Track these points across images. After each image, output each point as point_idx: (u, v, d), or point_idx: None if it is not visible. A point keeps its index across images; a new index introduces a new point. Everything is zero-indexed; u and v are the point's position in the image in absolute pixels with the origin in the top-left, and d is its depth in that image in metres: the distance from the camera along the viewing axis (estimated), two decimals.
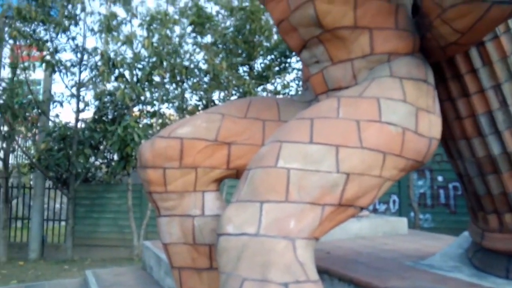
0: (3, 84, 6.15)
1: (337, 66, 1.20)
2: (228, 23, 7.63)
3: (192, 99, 8.09)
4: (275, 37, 7.60)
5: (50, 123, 7.03)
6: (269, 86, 8.11)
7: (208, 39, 7.56)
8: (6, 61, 6.91)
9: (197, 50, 7.52)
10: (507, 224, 1.39)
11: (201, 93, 7.58)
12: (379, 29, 1.13)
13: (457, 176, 1.57)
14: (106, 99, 6.58)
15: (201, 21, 6.78)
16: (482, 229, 1.50)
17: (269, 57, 8.42)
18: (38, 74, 7.35)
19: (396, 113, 1.02)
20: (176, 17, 7.15)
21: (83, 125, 6.79)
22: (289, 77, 8.70)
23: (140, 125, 6.72)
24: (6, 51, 6.68)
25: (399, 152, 1.01)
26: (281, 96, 8.12)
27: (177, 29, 7.01)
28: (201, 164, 1.23)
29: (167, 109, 8.22)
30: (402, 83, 1.08)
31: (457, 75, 1.34)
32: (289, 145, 0.93)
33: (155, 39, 6.00)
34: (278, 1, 1.24)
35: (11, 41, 5.89)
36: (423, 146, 1.07)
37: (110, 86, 6.42)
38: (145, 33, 6.00)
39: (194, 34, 7.25)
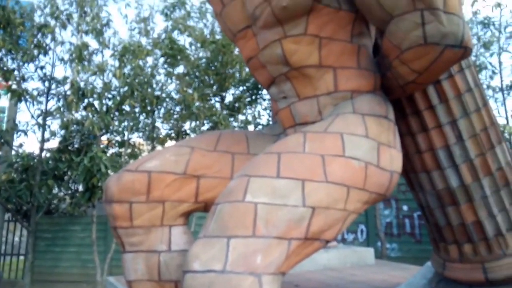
0: None
1: (303, 102, 1.24)
2: (200, 54, 7.74)
3: (163, 129, 8.05)
4: (246, 69, 7.75)
5: (13, 153, 6.78)
6: (240, 117, 8.20)
7: (180, 69, 7.62)
8: None
9: (169, 80, 7.56)
10: (467, 254, 1.44)
11: (172, 122, 7.55)
12: (343, 68, 1.19)
13: (419, 208, 1.62)
14: (72, 128, 6.44)
15: (173, 53, 6.85)
16: (444, 259, 1.55)
17: (240, 88, 8.55)
18: (3, 101, 7.14)
19: (359, 148, 1.06)
20: (149, 47, 7.21)
21: (47, 155, 6.58)
22: (259, 107, 8.84)
23: (108, 155, 6.58)
24: None
25: (362, 185, 1.04)
26: (252, 126, 8.24)
27: (150, 60, 7.05)
28: (169, 198, 1.23)
29: (137, 138, 8.13)
30: (365, 119, 1.13)
31: (417, 111, 1.41)
32: (257, 179, 0.94)
33: (127, 70, 6.00)
34: (248, 40, 1.28)
35: None
36: (385, 179, 1.11)
37: (77, 115, 6.31)
38: (116, 64, 5.99)
39: (166, 65, 7.29)
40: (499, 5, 7.15)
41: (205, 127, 7.51)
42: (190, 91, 6.97)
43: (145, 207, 1.20)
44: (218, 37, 7.50)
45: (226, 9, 1.28)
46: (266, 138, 1.39)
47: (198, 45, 7.62)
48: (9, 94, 5.89)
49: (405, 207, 7.41)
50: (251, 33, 1.26)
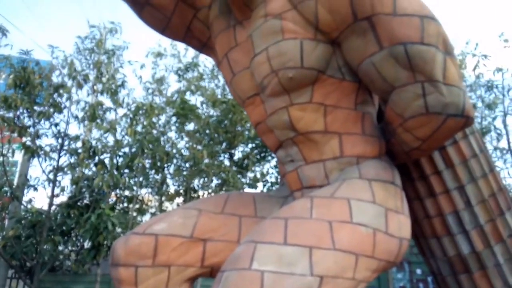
0: None
1: (310, 166, 1.27)
2: (211, 112, 7.94)
3: (172, 185, 8.06)
4: None
5: (22, 208, 6.80)
6: (249, 174, 8.21)
7: (191, 126, 7.80)
8: None
9: (180, 137, 7.70)
10: None
11: (181, 179, 7.59)
12: (348, 134, 1.23)
13: (431, 274, 1.58)
14: (82, 184, 6.49)
15: (184, 113, 7.05)
16: None
17: (249, 146, 8.66)
18: (16, 156, 7.28)
19: (366, 214, 1.06)
20: (162, 105, 7.43)
21: (56, 211, 6.58)
22: (268, 165, 8.88)
23: (116, 211, 6.55)
24: None
25: (371, 253, 1.03)
26: (260, 184, 8.23)
27: (162, 118, 7.23)
28: (175, 262, 1.22)
29: (146, 194, 8.13)
30: (371, 185, 1.14)
31: (423, 176, 1.42)
32: (263, 246, 0.94)
33: (139, 128, 6.15)
34: (256, 106, 1.34)
35: None
36: (394, 246, 1.10)
37: (87, 170, 6.39)
38: (129, 122, 6.16)
39: (177, 123, 7.48)
40: (500, 69, 7.35)
41: (214, 183, 7.52)
42: (199, 147, 7.07)
43: (150, 271, 1.19)
44: (229, 96, 7.74)
45: (236, 78, 1.35)
46: (273, 201, 1.39)
47: (209, 104, 7.86)
48: (22, 150, 6.03)
49: (418, 271, 7.12)
50: (259, 100, 1.32)
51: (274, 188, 8.12)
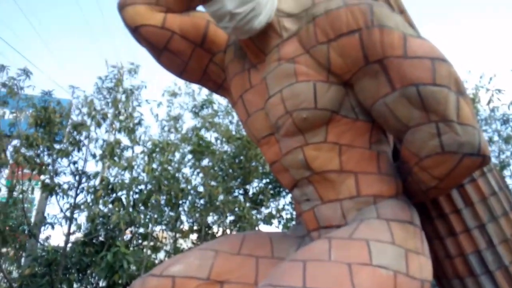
0: None
1: (327, 206, 1.26)
2: (225, 148, 8.01)
3: (187, 222, 8.03)
4: None
5: (39, 246, 6.84)
6: (264, 210, 8.14)
7: (205, 162, 7.85)
8: (2, 181, 7.03)
9: (195, 173, 7.75)
10: None
11: (196, 215, 7.56)
12: (364, 173, 1.23)
13: None
14: (98, 221, 6.53)
15: (201, 150, 7.14)
16: None
17: (264, 181, 8.63)
18: (33, 193, 7.41)
19: (386, 255, 1.05)
20: (177, 142, 7.54)
21: (72, 248, 6.59)
22: (283, 201, 8.80)
23: (131, 248, 6.52)
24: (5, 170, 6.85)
25: None
26: (275, 220, 8.13)
27: (177, 155, 7.32)
28: None
29: (161, 231, 8.10)
30: (390, 225, 1.13)
31: (442, 214, 1.40)
32: None
33: (154, 165, 6.24)
34: (271, 145, 1.36)
35: (11, 160, 6.09)
36: None
37: (102, 206, 6.44)
38: (146, 159, 6.26)
39: (193, 160, 7.55)
40: None
41: (229, 220, 7.46)
42: (213, 183, 7.09)
43: None
44: (243, 133, 7.82)
45: (251, 118, 1.38)
46: (290, 241, 1.38)
47: (224, 140, 7.94)
48: (40, 188, 6.14)
49: None
50: (274, 139, 1.34)
51: (289, 224, 8.01)
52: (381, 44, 1.10)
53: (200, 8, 1.44)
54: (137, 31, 1.39)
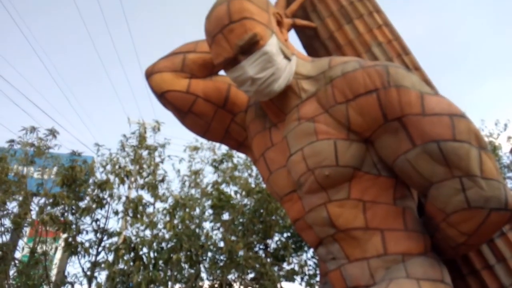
0: (17, 265, 6.17)
1: (353, 265, 1.24)
2: (246, 201, 7.97)
3: (207, 280, 7.83)
4: None
5: None
6: (285, 266, 7.91)
7: (226, 216, 7.80)
8: (25, 239, 7.10)
9: (215, 228, 7.68)
10: None
11: (217, 272, 7.39)
12: (390, 230, 1.21)
13: None
14: (118, 280, 6.44)
15: (221, 204, 7.14)
16: None
17: (285, 235, 8.46)
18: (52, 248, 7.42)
19: None
20: (198, 196, 7.57)
21: None
22: (306, 256, 8.55)
23: None
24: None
25: None
26: (298, 277, 7.85)
27: (198, 210, 7.33)
28: None
29: None
30: (420, 284, 1.10)
31: (474, 271, 1.34)
32: None
33: (176, 221, 6.24)
34: (294, 203, 1.36)
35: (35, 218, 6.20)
36: None
37: (123, 265, 6.38)
38: (167, 216, 6.29)
39: (213, 214, 7.54)
40: None
41: (250, 277, 7.25)
42: (234, 238, 6.99)
43: None
44: (263, 186, 7.81)
45: (273, 176, 1.41)
46: None
47: (244, 193, 7.93)
48: (63, 246, 6.18)
49: None
50: (297, 196, 1.35)
51: (312, 281, 7.71)
52: (399, 103, 1.13)
53: (222, 72, 1.52)
54: (163, 97, 1.48)
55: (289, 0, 1.78)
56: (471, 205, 1.05)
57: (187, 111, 1.49)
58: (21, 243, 7.52)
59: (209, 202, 7.47)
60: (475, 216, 1.06)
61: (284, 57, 1.28)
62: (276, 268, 7.61)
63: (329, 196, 1.25)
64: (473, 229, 1.09)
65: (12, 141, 7.16)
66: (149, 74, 1.51)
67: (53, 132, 7.19)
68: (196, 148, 8.81)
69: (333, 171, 1.22)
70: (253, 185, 8.11)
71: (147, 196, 6.62)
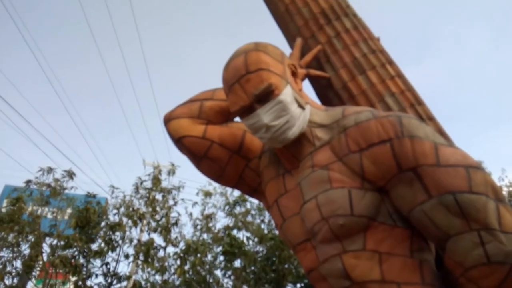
0: None
1: None
2: (257, 248, 7.80)
3: None
4: None
5: None
6: None
7: (237, 263, 7.62)
8: (34, 280, 7.03)
9: (227, 275, 7.49)
10: None
11: None
12: (407, 284, 1.17)
13: None
14: None
15: (232, 250, 7.01)
16: None
17: (298, 285, 8.17)
18: None
19: None
20: (209, 241, 7.45)
21: None
22: None
23: None
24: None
25: None
26: None
27: (209, 255, 7.20)
28: None
29: None
30: None
31: None
32: None
33: (187, 267, 6.13)
34: (307, 252, 1.34)
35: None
36: None
37: None
38: (178, 261, 6.18)
39: (224, 261, 7.38)
40: None
41: None
42: (245, 286, 6.79)
43: None
44: (276, 232, 7.67)
45: (286, 223, 1.39)
46: None
47: (256, 240, 7.78)
48: None
49: None
50: (311, 246, 1.32)
51: None
52: (413, 153, 1.13)
53: (237, 119, 1.56)
54: (180, 142, 1.51)
55: (304, 52, 1.84)
56: (491, 260, 1.01)
57: (202, 156, 1.51)
58: (30, 285, 7.45)
59: (221, 248, 7.35)
60: (496, 271, 1.02)
61: (298, 106, 1.32)
62: None
63: (344, 247, 1.23)
64: (495, 285, 1.05)
65: (29, 181, 7.28)
66: (167, 120, 1.56)
67: (70, 174, 7.31)
68: (208, 193, 8.80)
69: (348, 221, 1.20)
70: (265, 232, 7.97)
71: (158, 240, 6.56)
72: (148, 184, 7.40)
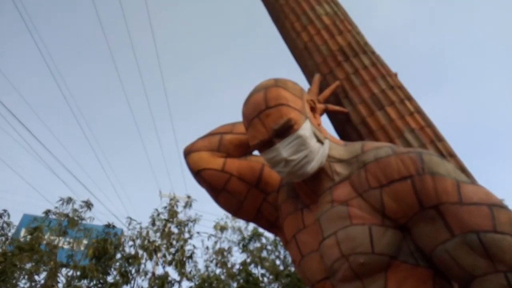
0: None
1: None
2: (273, 285, 7.60)
3: None
4: None
5: None
6: None
7: None
8: None
9: None
10: None
11: None
12: None
13: None
14: None
15: (249, 287, 6.85)
16: None
17: None
18: None
19: None
20: (222, 277, 7.31)
21: None
22: None
23: None
24: None
25: None
26: None
27: None
28: None
29: None
30: None
31: None
32: None
33: None
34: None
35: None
36: None
37: None
38: None
39: None
40: None
41: None
42: None
43: None
44: (292, 269, 7.49)
45: (304, 260, 1.37)
46: None
47: (271, 277, 7.60)
48: None
49: None
50: (330, 284, 1.29)
51: None
52: (434, 191, 1.12)
53: (256, 152, 1.58)
54: (199, 174, 1.53)
55: (322, 87, 1.87)
56: None
57: (221, 189, 1.52)
58: None
59: (236, 285, 7.19)
60: None
61: (317, 141, 1.32)
62: None
63: (364, 286, 1.19)
64: None
65: (48, 211, 7.38)
66: (188, 153, 1.59)
67: (88, 204, 7.39)
68: (223, 228, 8.73)
69: (368, 259, 1.17)
70: (281, 268, 7.79)
71: (173, 273, 6.48)
72: (165, 215, 7.40)
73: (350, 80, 1.78)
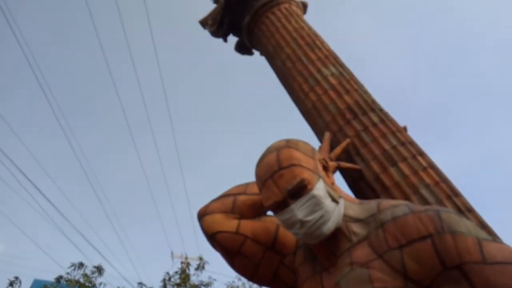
0: None
1: None
2: None
3: None
4: None
5: None
6: None
7: None
8: None
9: None
10: None
11: None
12: None
13: None
14: None
15: None
16: None
17: None
18: None
19: None
20: None
21: None
22: None
23: None
24: None
25: None
26: None
27: None
28: None
29: None
30: None
31: None
32: None
33: None
34: None
35: None
36: None
37: None
38: None
39: None
40: None
41: None
42: None
43: None
44: None
45: None
46: None
47: None
48: None
49: None
50: None
51: None
52: (456, 250, 1.08)
53: (270, 212, 1.56)
54: (214, 237, 1.51)
55: (333, 145, 1.89)
56: None
57: (236, 252, 1.49)
58: None
59: None
60: None
61: (332, 200, 1.31)
62: None
63: None
64: None
65: (60, 277, 7.24)
66: (202, 215, 1.58)
67: (99, 270, 7.25)
68: None
69: None
70: None
71: None
72: (176, 278, 7.19)
73: (360, 137, 1.80)
